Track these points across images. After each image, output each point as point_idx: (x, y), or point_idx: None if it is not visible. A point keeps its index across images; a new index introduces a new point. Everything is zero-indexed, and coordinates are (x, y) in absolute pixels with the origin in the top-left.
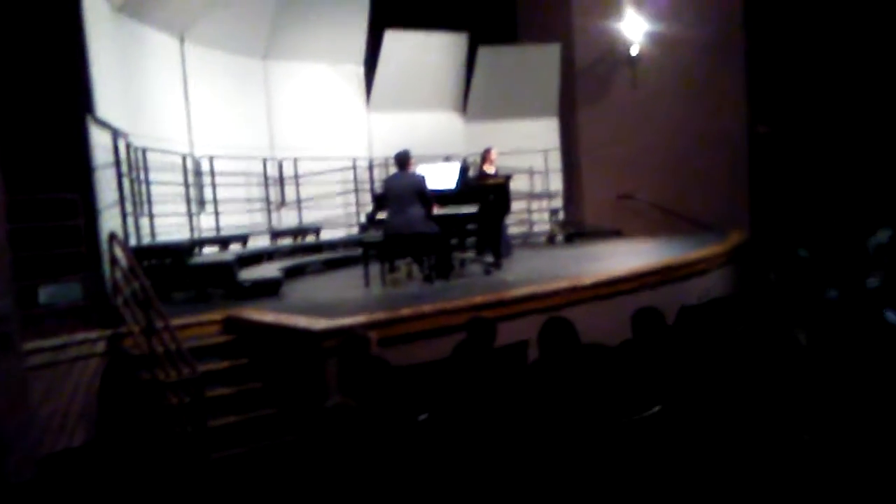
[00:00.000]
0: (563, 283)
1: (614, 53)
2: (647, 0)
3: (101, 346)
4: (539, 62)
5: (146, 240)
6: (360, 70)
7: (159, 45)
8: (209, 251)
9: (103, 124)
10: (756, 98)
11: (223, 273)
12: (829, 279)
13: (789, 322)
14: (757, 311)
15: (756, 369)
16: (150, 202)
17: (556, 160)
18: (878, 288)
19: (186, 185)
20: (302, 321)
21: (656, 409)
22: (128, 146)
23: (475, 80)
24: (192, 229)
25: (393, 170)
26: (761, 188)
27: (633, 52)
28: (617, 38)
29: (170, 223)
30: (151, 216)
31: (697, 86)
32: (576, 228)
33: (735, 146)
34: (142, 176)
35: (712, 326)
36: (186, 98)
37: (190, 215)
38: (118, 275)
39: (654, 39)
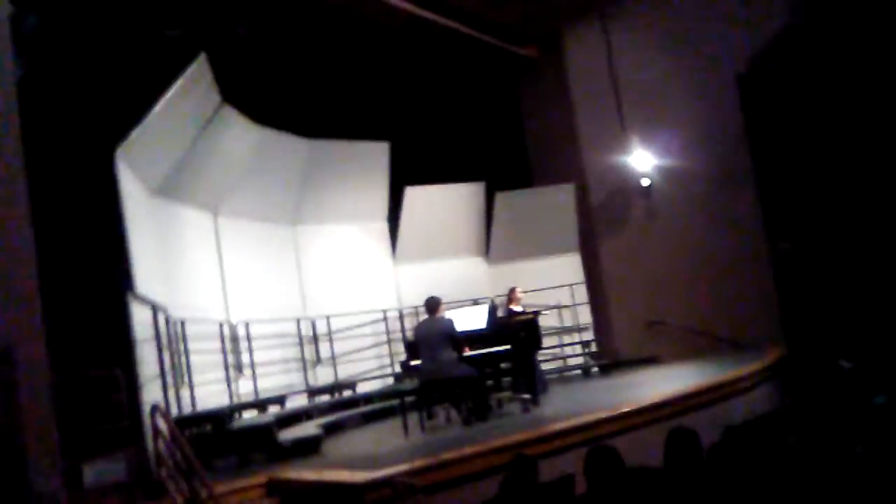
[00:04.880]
0: (602, 413)
1: (627, 187)
2: (652, 137)
3: None
4: (555, 202)
5: (187, 409)
6: (385, 225)
7: (194, 220)
8: (249, 415)
9: (143, 300)
10: (772, 217)
11: (263, 435)
12: (875, 386)
13: (842, 432)
14: (806, 423)
15: (814, 481)
16: (189, 372)
17: (582, 294)
18: None
19: (224, 351)
20: (343, 475)
21: None
22: (167, 319)
23: (495, 225)
24: (230, 395)
25: (422, 317)
26: (793, 303)
27: (645, 184)
28: (628, 173)
29: (209, 391)
30: (191, 385)
31: (712, 210)
32: (610, 359)
33: (758, 264)
34: (181, 347)
35: (761, 442)
36: (221, 268)
37: (228, 381)
38: (161, 446)
39: (664, 171)
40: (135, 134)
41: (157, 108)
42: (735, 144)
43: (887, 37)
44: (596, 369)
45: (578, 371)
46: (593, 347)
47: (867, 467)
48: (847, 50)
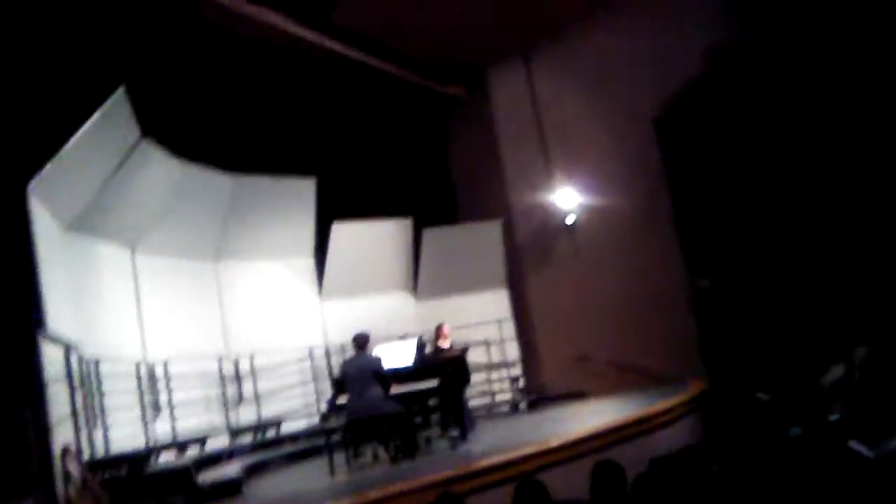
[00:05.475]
0: (530, 449)
1: (552, 223)
2: (576, 175)
3: None
4: (482, 238)
5: (101, 451)
6: (311, 262)
7: (111, 256)
8: (168, 457)
9: (54, 338)
10: (691, 254)
11: (181, 478)
12: (791, 418)
13: (759, 460)
14: (726, 454)
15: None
16: (103, 413)
17: (510, 330)
18: (839, 421)
19: (141, 392)
20: None
21: None
22: (80, 359)
23: (423, 261)
24: (147, 436)
25: (350, 353)
26: (711, 338)
27: (570, 220)
28: (553, 210)
29: (125, 433)
30: (105, 427)
31: (635, 247)
32: (538, 394)
33: (678, 300)
34: (94, 387)
35: (684, 473)
36: (139, 305)
37: (145, 423)
38: (72, 490)
39: (588, 209)
40: (49, 168)
41: (73, 141)
42: (655, 183)
43: (793, 80)
44: (524, 405)
45: (506, 407)
46: (521, 383)
47: (783, 486)
48: (755, 94)
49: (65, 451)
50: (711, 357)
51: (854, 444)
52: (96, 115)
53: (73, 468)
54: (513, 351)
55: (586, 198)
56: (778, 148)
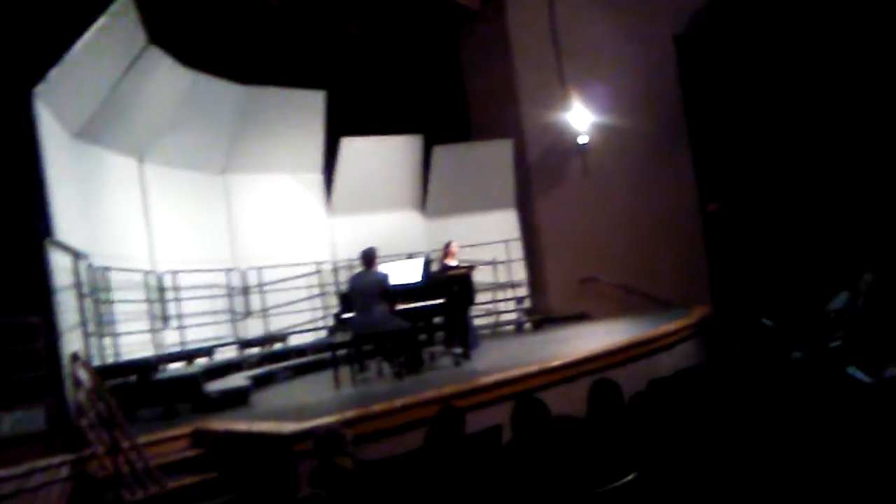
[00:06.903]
0: (532, 367)
1: (564, 144)
2: (590, 94)
3: (65, 471)
4: (493, 157)
5: (110, 359)
6: (320, 177)
7: (118, 166)
8: (175, 366)
9: (63, 247)
10: (704, 178)
11: (189, 386)
12: (794, 344)
13: (756, 382)
14: (723, 375)
15: (730, 428)
16: (112, 321)
17: (517, 250)
18: (840, 347)
19: (149, 301)
20: (270, 426)
21: (632, 476)
22: (89, 267)
23: (432, 179)
24: (156, 346)
25: (357, 269)
26: (719, 263)
27: (582, 141)
28: (565, 130)
29: (134, 341)
30: (115, 335)
31: (647, 169)
32: (543, 315)
33: (689, 224)
34: (103, 296)
35: (679, 392)
36: (147, 216)
37: (154, 332)
38: (82, 396)
39: (601, 129)
40: (54, 73)
41: (79, 46)
42: (671, 104)
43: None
44: (528, 325)
45: (511, 326)
46: (527, 303)
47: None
48: (780, 12)
49: (74, 358)
50: (719, 282)
51: (852, 370)
52: (102, 19)
53: (83, 374)
54: (520, 271)
55: (600, 118)
56: (800, 72)
